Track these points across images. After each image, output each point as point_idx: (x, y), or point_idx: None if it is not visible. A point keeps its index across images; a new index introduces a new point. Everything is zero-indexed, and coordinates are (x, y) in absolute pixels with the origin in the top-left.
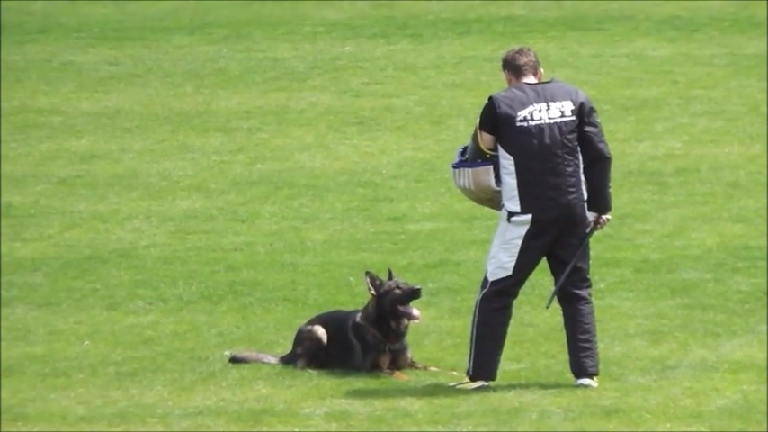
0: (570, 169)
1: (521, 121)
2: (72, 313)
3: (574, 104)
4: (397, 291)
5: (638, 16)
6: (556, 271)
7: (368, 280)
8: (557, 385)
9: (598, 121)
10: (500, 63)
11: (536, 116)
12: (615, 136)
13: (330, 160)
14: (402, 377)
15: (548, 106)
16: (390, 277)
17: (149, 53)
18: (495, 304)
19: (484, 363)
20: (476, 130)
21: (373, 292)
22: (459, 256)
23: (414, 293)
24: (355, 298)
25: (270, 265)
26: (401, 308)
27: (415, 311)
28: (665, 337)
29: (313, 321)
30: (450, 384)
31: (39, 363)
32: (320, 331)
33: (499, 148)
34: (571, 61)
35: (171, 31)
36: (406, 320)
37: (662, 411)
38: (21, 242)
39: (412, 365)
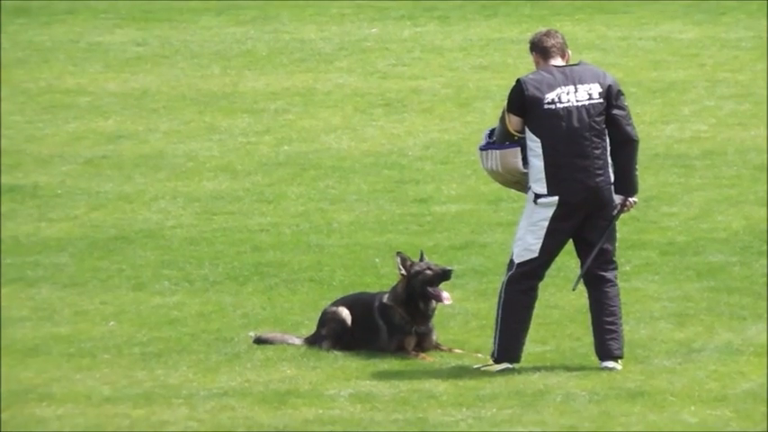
0: (598, 152)
1: (549, 103)
2: (98, 294)
3: (601, 87)
4: (428, 272)
5: None
6: (582, 253)
7: (398, 260)
8: (582, 368)
9: (625, 103)
10: (527, 45)
11: (564, 99)
12: (642, 118)
13: (356, 142)
14: (427, 359)
15: (575, 89)
16: (422, 258)
17: (177, 34)
18: (521, 286)
19: (509, 345)
20: (503, 112)
21: (404, 272)
22: (484, 238)
23: (444, 275)
24: (381, 279)
25: (296, 247)
26: (431, 289)
27: (445, 294)
28: (690, 320)
29: (338, 303)
30: (475, 366)
31: (64, 343)
32: (345, 312)
33: (527, 130)
34: (598, 44)
35: (198, 12)
36: (434, 302)
37: (687, 394)
38: (47, 222)
39: (437, 347)
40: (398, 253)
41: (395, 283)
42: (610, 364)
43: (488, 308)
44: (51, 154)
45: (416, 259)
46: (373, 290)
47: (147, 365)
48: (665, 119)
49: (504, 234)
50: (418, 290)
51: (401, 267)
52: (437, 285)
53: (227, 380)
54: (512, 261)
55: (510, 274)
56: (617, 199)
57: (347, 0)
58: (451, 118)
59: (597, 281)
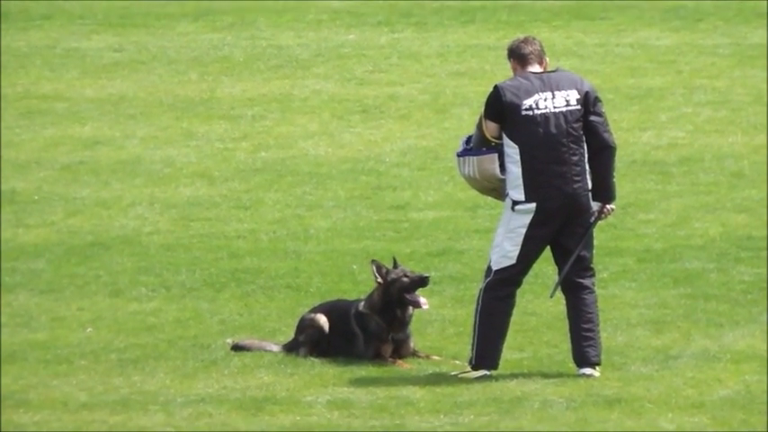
0: (575, 158)
1: (526, 109)
2: (75, 300)
3: (579, 93)
4: (405, 279)
5: (643, 5)
6: (560, 260)
7: (374, 268)
8: (559, 375)
9: (603, 110)
10: (505, 52)
11: (541, 105)
12: (619, 125)
13: (334, 148)
14: (404, 366)
15: (553, 95)
16: (395, 265)
17: (153, 40)
18: (499, 293)
19: (486, 352)
20: (481, 118)
21: (380, 280)
22: (462, 245)
23: (421, 281)
24: (358, 286)
25: (273, 253)
26: (408, 296)
27: (422, 299)
28: (667, 326)
29: (315, 310)
30: (453, 373)
31: (41, 349)
32: (322, 319)
33: (504, 136)
34: (576, 50)
35: (175, 18)
36: (411, 309)
37: (664, 401)
38: (24, 228)
39: (414, 354)
40: (373, 261)
41: (371, 290)
42: (587, 370)
43: (466, 315)
44: (28, 160)
45: (390, 266)
46: (350, 297)
47: (124, 372)
48: (642, 125)
49: (482, 241)
50: (395, 297)
51: (377, 275)
52: (414, 292)
53: (205, 386)
54: (489, 268)
55: (488, 280)
56: (594, 206)
57: (324, 6)
58: (429, 124)
59: (575, 288)
